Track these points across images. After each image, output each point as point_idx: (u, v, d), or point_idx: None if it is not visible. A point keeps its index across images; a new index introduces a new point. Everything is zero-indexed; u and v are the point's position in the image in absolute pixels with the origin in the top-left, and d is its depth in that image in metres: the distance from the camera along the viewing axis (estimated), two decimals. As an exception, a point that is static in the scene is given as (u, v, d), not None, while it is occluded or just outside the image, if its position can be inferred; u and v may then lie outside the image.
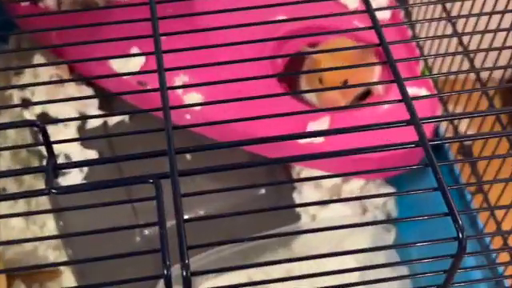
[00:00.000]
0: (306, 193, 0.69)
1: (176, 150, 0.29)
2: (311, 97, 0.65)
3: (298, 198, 0.69)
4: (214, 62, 0.36)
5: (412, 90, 0.65)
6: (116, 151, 0.66)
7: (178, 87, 0.33)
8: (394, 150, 0.29)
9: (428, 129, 0.62)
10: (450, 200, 0.27)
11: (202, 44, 0.37)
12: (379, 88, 0.65)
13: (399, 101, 0.31)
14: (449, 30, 0.65)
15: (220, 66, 0.36)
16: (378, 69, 0.65)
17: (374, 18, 0.36)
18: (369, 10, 0.36)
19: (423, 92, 0.65)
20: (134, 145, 0.64)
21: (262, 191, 0.67)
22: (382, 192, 0.68)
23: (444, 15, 0.66)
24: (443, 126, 0.68)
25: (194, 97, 0.64)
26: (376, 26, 0.35)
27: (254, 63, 0.36)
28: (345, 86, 0.59)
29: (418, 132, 0.29)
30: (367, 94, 0.66)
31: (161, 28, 0.36)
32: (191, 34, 0.37)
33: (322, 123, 0.63)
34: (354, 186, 0.69)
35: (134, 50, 0.65)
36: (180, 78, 0.65)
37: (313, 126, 0.62)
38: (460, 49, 0.63)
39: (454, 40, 0.66)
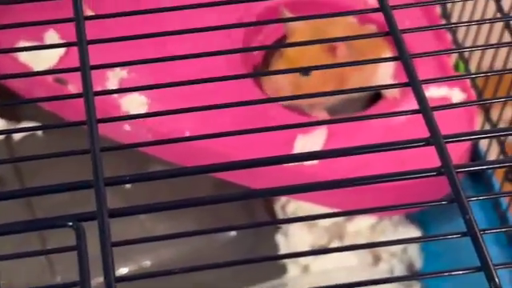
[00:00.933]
0: (294, 234, 0.69)
1: (106, 180, 0.29)
2: (300, 101, 0.65)
3: (283, 242, 0.69)
4: (165, 56, 0.36)
5: (440, 92, 0.66)
6: (25, 177, 0.66)
7: (110, 92, 0.34)
8: (408, 179, 0.30)
9: (461, 147, 0.64)
10: (483, 249, 0.28)
11: (150, 30, 0.37)
12: (394, 89, 0.66)
13: (413, 112, 0.32)
14: (491, 10, 0.66)
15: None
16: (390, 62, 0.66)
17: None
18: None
19: (456, 94, 0.67)
20: (51, 167, 0.64)
21: (235, 232, 0.68)
22: (400, 233, 0.69)
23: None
24: (485, 140, 0.69)
25: (135, 100, 0.64)
26: (384, 6, 0.36)
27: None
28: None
29: (440, 155, 0.30)
30: (377, 96, 0.67)
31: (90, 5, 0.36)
32: (133, 16, 0.37)
33: (316, 137, 0.64)
34: (362, 224, 0.70)
35: (50, 35, 0.65)
36: (116, 74, 0.65)
37: (303, 142, 0.63)
38: (508, 36, 0.64)
39: (500, 23, 0.67)
